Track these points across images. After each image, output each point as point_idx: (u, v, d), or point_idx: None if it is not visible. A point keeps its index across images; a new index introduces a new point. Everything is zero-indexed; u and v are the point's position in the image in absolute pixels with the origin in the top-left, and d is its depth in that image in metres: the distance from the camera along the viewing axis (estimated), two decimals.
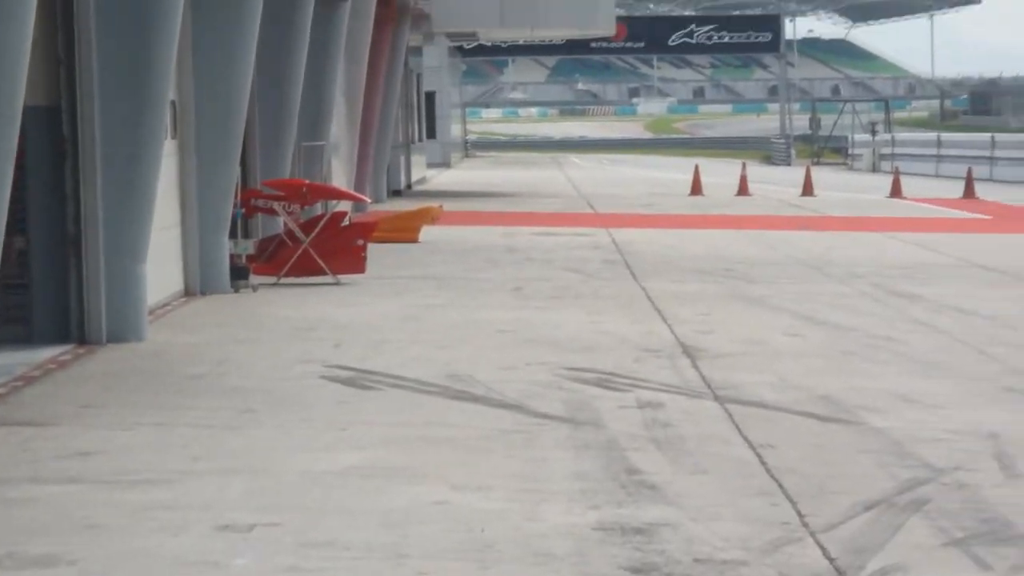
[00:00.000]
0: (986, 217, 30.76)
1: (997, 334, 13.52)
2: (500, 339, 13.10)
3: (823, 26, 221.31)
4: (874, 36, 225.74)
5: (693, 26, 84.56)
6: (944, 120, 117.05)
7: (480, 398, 10.26)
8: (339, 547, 6.68)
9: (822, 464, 8.32)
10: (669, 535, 6.86)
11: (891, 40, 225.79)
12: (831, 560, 6.49)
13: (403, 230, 23.06)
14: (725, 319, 14.49)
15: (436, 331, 13.59)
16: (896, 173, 41.29)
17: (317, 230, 17.53)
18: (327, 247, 17.46)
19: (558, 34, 50.66)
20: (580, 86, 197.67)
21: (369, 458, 8.42)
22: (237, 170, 16.42)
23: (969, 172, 39.83)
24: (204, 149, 15.85)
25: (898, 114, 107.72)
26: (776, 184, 45.17)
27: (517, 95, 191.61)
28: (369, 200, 25.19)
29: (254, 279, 16.71)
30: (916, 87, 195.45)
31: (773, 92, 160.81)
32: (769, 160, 75.99)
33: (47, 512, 7.30)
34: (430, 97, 52.47)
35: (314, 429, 9.29)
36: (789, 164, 69.96)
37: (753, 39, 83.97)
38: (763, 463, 8.31)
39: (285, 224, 17.88)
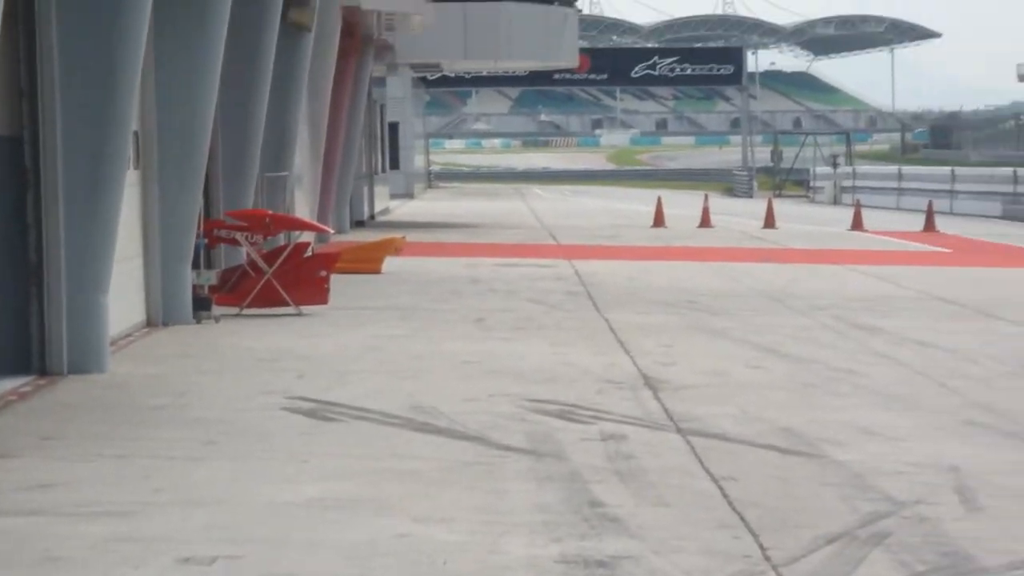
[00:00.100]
0: (946, 250, 30.93)
1: (958, 367, 13.59)
2: (463, 370, 13.10)
3: (785, 59, 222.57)
4: (835, 69, 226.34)
5: (656, 58, 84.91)
6: (905, 153, 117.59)
7: (443, 430, 10.26)
8: None
9: (784, 497, 8.34)
10: (631, 568, 6.86)
11: (852, 73, 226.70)
12: None
13: (366, 261, 23.05)
14: (687, 351, 14.52)
15: (399, 362, 13.58)
16: (857, 206, 41.47)
17: (280, 261, 17.52)
18: (290, 278, 17.44)
19: (522, 65, 50.77)
20: (543, 117, 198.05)
21: (331, 490, 8.41)
22: (200, 200, 16.39)
23: (930, 205, 40.06)
24: (167, 179, 15.82)
25: (859, 147, 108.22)
26: (738, 216, 45.32)
27: (480, 126, 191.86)
28: (332, 231, 25.17)
29: (216, 310, 16.67)
30: (877, 120, 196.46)
31: (735, 124, 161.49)
32: (731, 192, 76.25)
33: (7, 544, 7.25)
34: (393, 128, 52.49)
35: (276, 461, 9.26)
36: (751, 196, 70.18)
37: (716, 71, 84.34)
38: (725, 496, 8.33)
39: (248, 255, 17.85)
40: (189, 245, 16.14)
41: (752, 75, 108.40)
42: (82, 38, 12.45)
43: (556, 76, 72.38)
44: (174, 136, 15.79)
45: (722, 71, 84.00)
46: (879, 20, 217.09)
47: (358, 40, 33.33)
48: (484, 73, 62.34)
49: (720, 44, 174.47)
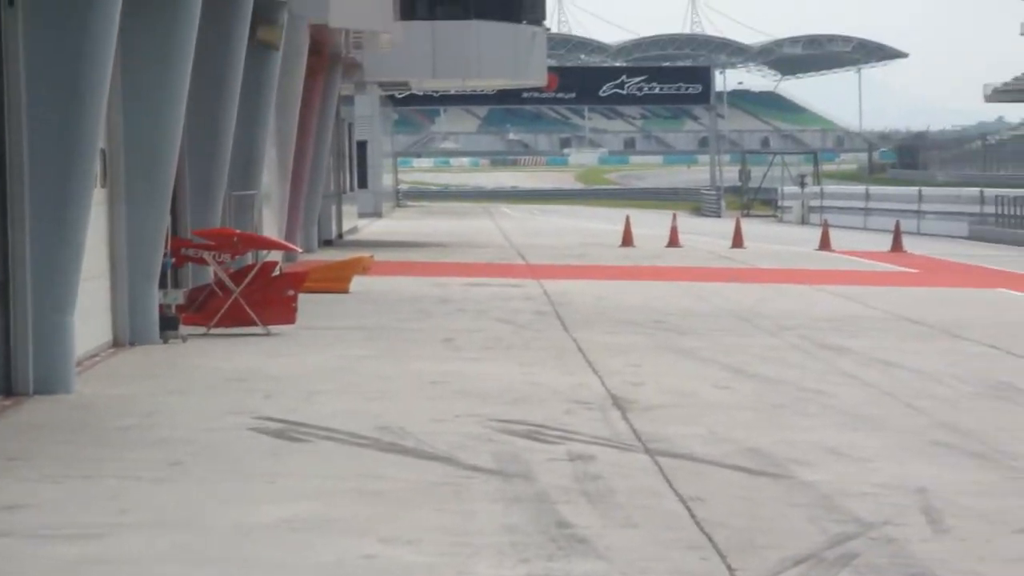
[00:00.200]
0: (913, 271, 31.04)
1: (924, 387, 13.63)
2: (431, 391, 13.09)
3: (753, 78, 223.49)
4: (803, 89, 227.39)
5: (624, 77, 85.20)
6: (872, 173, 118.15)
7: (411, 450, 10.24)
8: None
9: (752, 518, 8.35)
10: None
11: (820, 93, 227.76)
12: None
13: (334, 280, 23.01)
14: (656, 371, 14.53)
15: (367, 382, 13.56)
16: (825, 226, 41.61)
17: (247, 280, 17.48)
18: (257, 297, 17.40)
19: (490, 84, 50.91)
20: (511, 136, 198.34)
21: (298, 511, 8.38)
22: (167, 219, 16.35)
23: (897, 225, 40.22)
24: (134, 198, 15.78)
25: (827, 167, 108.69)
26: (706, 236, 45.43)
27: (449, 145, 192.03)
28: (300, 250, 25.17)
29: (184, 329, 16.62)
30: (844, 140, 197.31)
31: (703, 143, 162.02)
32: (699, 211, 76.50)
33: None
34: (362, 146, 52.51)
35: (243, 481, 9.24)
36: (719, 216, 70.43)
37: (684, 91, 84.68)
38: (693, 516, 8.33)
39: (215, 274, 17.82)
40: (156, 264, 16.10)
41: (720, 94, 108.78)
42: (49, 56, 12.41)
43: (524, 95, 72.64)
44: (141, 154, 15.75)
45: (690, 90, 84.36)
46: (846, 40, 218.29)
47: (326, 58, 33.32)
48: (452, 91, 62.50)
49: (688, 63, 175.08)
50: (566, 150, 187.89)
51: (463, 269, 28.98)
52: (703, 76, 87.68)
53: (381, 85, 48.25)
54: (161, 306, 16.30)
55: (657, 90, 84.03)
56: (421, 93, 61.58)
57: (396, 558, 7.39)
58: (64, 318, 12.65)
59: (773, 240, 44.03)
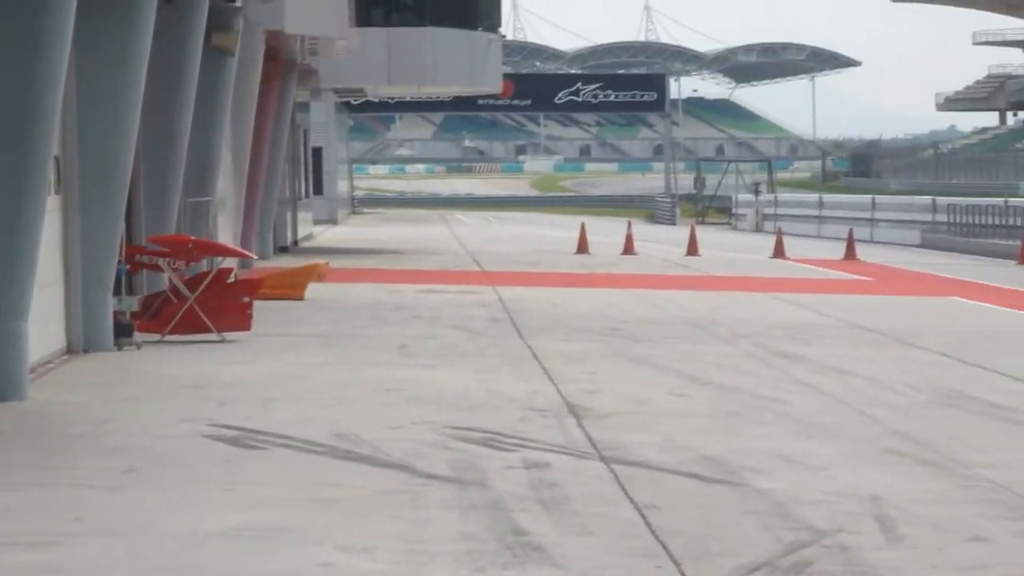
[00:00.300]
0: (867, 278, 31.18)
1: (878, 395, 13.70)
2: (386, 398, 13.08)
3: (707, 86, 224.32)
4: (757, 97, 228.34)
5: (579, 84, 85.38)
6: (825, 181, 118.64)
7: (366, 458, 10.23)
8: None
9: (707, 525, 8.38)
10: None
11: (773, 101, 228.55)
12: None
13: (289, 287, 22.96)
14: (611, 378, 14.56)
15: (322, 389, 13.55)
16: (779, 234, 41.75)
17: (202, 287, 17.43)
18: (212, 304, 17.35)
19: (446, 91, 50.85)
20: (467, 143, 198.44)
21: (254, 519, 8.37)
22: (121, 226, 16.29)
23: (850, 233, 40.41)
24: (88, 205, 15.71)
25: (781, 174, 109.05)
26: (661, 243, 45.53)
27: (404, 151, 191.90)
28: (255, 257, 25.08)
29: (138, 337, 16.56)
30: (798, 148, 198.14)
31: (658, 151, 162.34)
32: (654, 219, 76.63)
33: None
34: (317, 153, 52.41)
35: (198, 489, 9.21)
36: (674, 223, 70.56)
37: (639, 98, 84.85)
38: (648, 524, 8.36)
39: (170, 281, 17.76)
40: (110, 271, 16.04)
41: (675, 102, 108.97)
42: (2, 60, 12.35)
43: (480, 102, 72.59)
44: (96, 161, 15.68)
45: (645, 98, 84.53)
46: (800, 48, 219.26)
47: (281, 64, 33.27)
48: (408, 98, 62.38)
49: (643, 71, 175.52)
50: (521, 157, 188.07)
51: (418, 276, 28.97)
52: (658, 84, 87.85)
53: (336, 91, 48.17)
54: (115, 313, 16.24)
55: (612, 98, 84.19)
56: (377, 100, 61.49)
57: (352, 566, 7.39)
58: (18, 324, 12.59)
59: (728, 248, 44.15)
